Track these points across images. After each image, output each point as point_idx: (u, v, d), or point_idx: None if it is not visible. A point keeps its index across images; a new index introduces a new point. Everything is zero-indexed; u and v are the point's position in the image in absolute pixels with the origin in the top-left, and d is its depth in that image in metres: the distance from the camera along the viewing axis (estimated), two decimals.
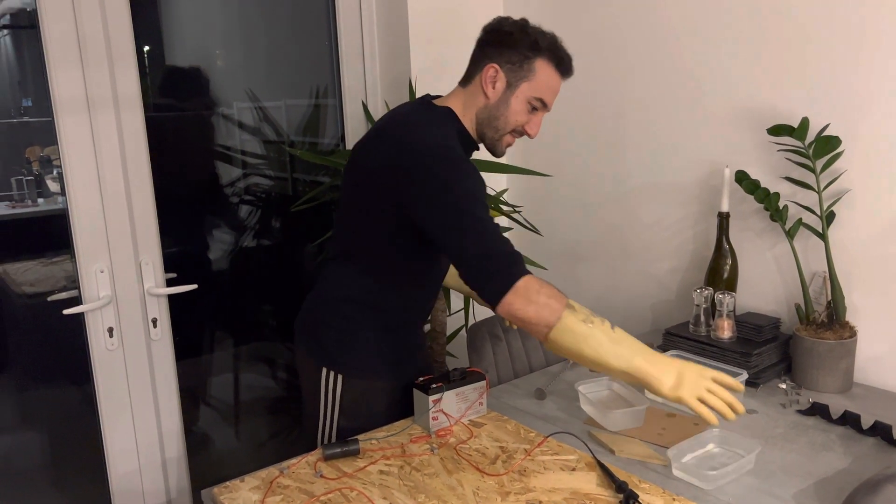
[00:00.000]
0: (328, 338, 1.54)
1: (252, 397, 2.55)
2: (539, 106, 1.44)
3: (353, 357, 1.53)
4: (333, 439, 1.55)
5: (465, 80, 1.48)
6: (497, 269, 1.23)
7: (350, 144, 2.41)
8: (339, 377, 1.53)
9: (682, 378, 1.19)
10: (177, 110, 2.30)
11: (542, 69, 1.41)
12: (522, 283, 1.21)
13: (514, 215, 2.29)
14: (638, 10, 2.07)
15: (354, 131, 2.42)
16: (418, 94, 2.25)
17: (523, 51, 1.40)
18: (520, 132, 1.47)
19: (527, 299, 1.20)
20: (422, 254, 1.48)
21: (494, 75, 1.42)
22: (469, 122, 1.47)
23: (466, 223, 1.25)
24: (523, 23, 1.43)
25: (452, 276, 1.81)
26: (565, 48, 1.45)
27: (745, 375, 1.57)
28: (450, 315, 2.28)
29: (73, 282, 1.96)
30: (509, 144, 1.49)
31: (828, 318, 1.67)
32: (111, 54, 1.84)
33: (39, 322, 2.20)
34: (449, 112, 1.46)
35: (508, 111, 1.43)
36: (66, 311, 1.87)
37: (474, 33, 2.46)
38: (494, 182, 2.49)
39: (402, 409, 1.58)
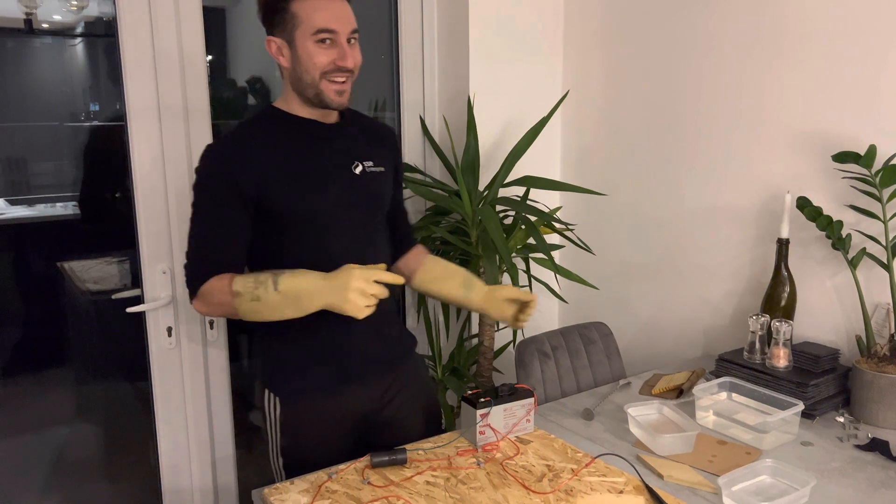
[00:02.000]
0: (264, 359, 1.57)
1: None
2: (327, 36, 1.38)
3: (283, 377, 1.52)
4: (279, 461, 1.53)
5: (280, 69, 1.48)
6: (186, 277, 1.45)
7: (407, 158, 2.44)
8: (275, 399, 1.52)
9: (333, 291, 1.32)
10: (238, 120, 2.37)
11: (301, 7, 1.38)
12: (202, 288, 1.42)
13: (568, 233, 2.28)
14: (701, 31, 2.06)
15: (411, 145, 2.45)
16: (476, 111, 2.27)
17: (277, 10, 1.39)
18: (335, 71, 1.40)
19: (205, 302, 1.44)
20: (285, 242, 1.46)
21: (277, 46, 1.42)
22: (292, 100, 1.47)
23: (193, 224, 1.45)
24: None
25: (434, 280, 1.70)
26: None
27: (800, 406, 1.53)
28: (498, 330, 2.28)
29: (135, 281, 2.03)
30: (339, 91, 1.42)
31: (890, 351, 1.62)
32: (183, 66, 1.91)
33: (101, 319, 2.28)
34: (265, 109, 1.50)
35: (304, 63, 1.40)
36: (129, 309, 1.93)
37: (534, 50, 2.48)
38: (549, 199, 2.50)
39: (351, 424, 1.54)
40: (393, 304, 1.64)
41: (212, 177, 1.41)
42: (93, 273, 2.26)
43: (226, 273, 1.41)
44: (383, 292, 1.32)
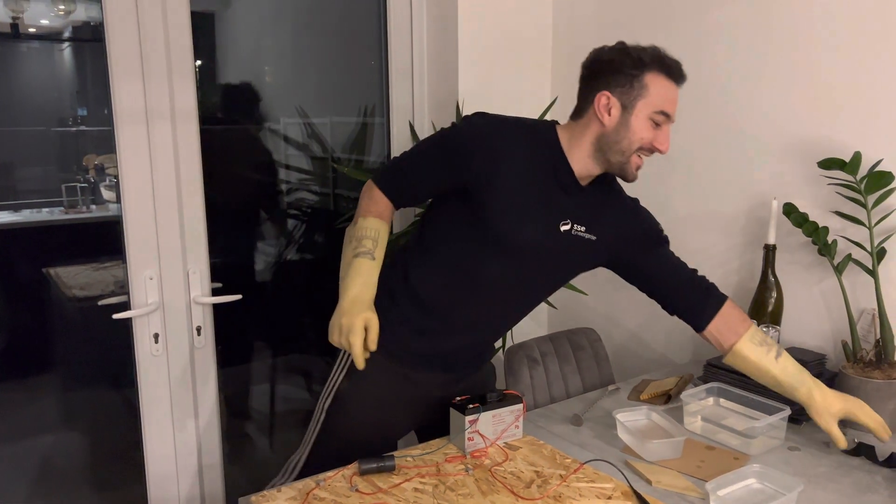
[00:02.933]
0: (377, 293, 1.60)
1: (288, 409, 2.58)
2: (662, 120, 1.42)
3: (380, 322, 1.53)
4: (326, 401, 1.58)
5: (576, 115, 1.48)
6: (383, 167, 1.58)
7: None
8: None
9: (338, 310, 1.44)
10: (226, 124, 2.37)
11: (654, 82, 1.40)
12: (367, 193, 1.56)
13: None
14: (687, 40, 2.07)
15: (400, 150, 2.45)
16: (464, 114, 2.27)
17: (629, 71, 1.39)
18: (648, 149, 1.44)
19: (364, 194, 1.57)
20: (461, 235, 1.50)
21: (608, 102, 1.41)
22: (580, 153, 1.46)
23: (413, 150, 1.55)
24: (621, 45, 1.43)
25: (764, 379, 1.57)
26: (670, 55, 1.43)
27: (787, 411, 1.54)
28: None
29: (122, 287, 2.02)
30: (639, 166, 1.46)
31: (876, 356, 1.63)
32: (171, 69, 1.91)
33: (87, 325, 2.26)
34: (548, 132, 1.49)
35: (630, 132, 1.41)
36: (115, 316, 1.92)
37: (523, 57, 2.49)
38: None
39: (411, 400, 1.59)
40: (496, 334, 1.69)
41: (458, 140, 1.46)
42: (79, 279, 2.25)
43: (391, 200, 1.54)
44: (357, 347, 1.39)
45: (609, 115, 1.42)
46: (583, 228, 1.52)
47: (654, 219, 1.64)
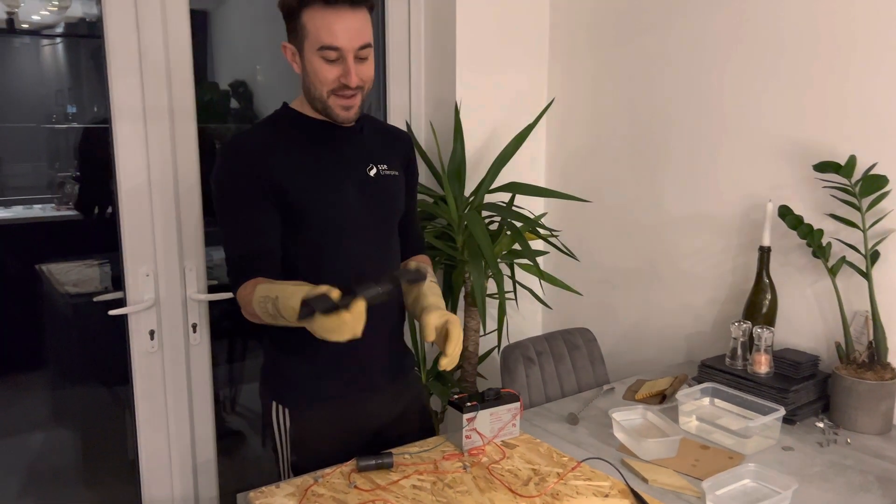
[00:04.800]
0: (268, 366, 1.55)
1: None
2: (333, 55, 1.33)
3: (292, 387, 1.49)
4: (290, 476, 1.49)
5: None
6: (229, 281, 1.43)
7: None
8: (285, 411, 1.48)
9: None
10: (222, 122, 2.36)
11: (311, 19, 1.32)
12: (238, 295, 1.40)
13: (552, 239, 2.29)
14: (684, 41, 2.09)
15: None
16: (462, 117, 2.28)
17: (291, 16, 1.36)
18: (341, 87, 1.36)
19: (243, 310, 1.41)
20: (301, 244, 1.44)
21: (292, 52, 1.40)
22: (307, 103, 1.44)
23: (223, 225, 1.43)
24: None
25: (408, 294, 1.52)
26: None
27: (781, 411, 1.55)
28: (483, 335, 2.29)
29: (116, 284, 2.01)
30: (346, 107, 1.39)
31: (869, 357, 1.65)
32: (169, 67, 1.90)
33: (82, 321, 2.25)
34: (281, 109, 1.49)
35: (311, 77, 1.37)
36: (112, 312, 1.91)
37: (519, 59, 2.50)
38: (534, 205, 2.51)
39: (362, 434, 1.52)
40: (399, 317, 1.62)
41: (234, 174, 1.40)
42: (72, 276, 2.24)
43: (259, 277, 1.37)
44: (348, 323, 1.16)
45: (296, 63, 1.40)
46: (385, 167, 1.52)
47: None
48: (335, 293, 1.15)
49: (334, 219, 1.44)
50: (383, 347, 1.55)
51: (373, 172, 1.50)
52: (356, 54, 1.35)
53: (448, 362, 1.31)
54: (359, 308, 1.15)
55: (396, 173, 1.55)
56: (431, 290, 1.43)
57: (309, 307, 1.14)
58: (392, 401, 1.58)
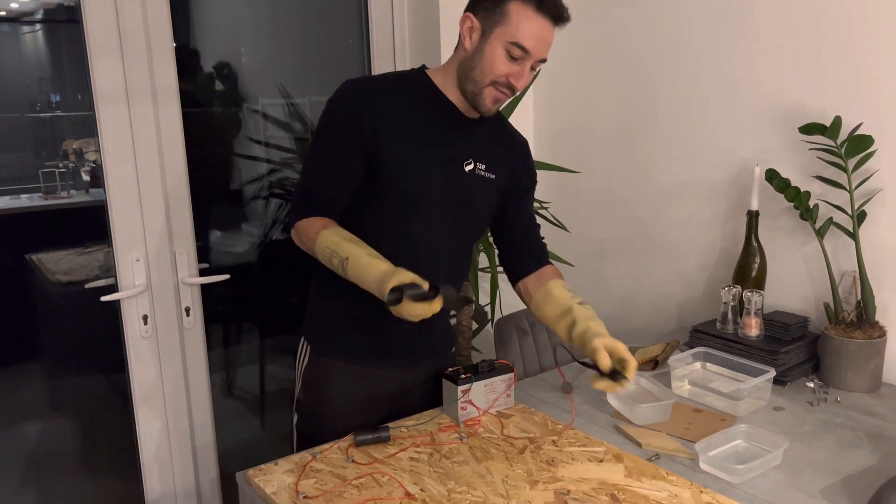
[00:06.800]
0: (309, 307, 1.58)
1: (277, 388, 2.59)
2: (519, 54, 1.33)
3: (320, 330, 1.54)
4: (294, 417, 1.58)
5: (458, 44, 1.43)
6: (291, 206, 1.46)
7: None
8: (308, 348, 1.55)
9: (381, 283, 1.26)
10: (206, 105, 2.35)
11: (517, 11, 1.31)
12: (298, 224, 1.42)
13: (542, 211, 2.29)
14: (671, 9, 2.08)
15: None
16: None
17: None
18: (505, 84, 1.36)
19: (297, 238, 1.43)
20: (373, 211, 1.44)
21: (471, 25, 1.37)
22: (449, 78, 1.42)
23: (308, 155, 1.46)
24: None
25: (543, 315, 1.53)
26: None
27: (772, 373, 1.57)
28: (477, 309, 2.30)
29: (108, 271, 2.01)
30: (497, 100, 1.39)
31: (857, 317, 1.66)
32: (150, 48, 1.88)
33: (74, 309, 2.25)
34: (418, 71, 1.46)
35: (483, 60, 1.35)
36: (103, 298, 1.91)
37: None
38: None
39: (371, 397, 1.53)
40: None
41: (340, 112, 1.40)
42: (63, 264, 2.23)
43: (322, 217, 1.41)
44: (427, 313, 1.23)
45: (470, 38, 1.38)
46: (483, 167, 1.49)
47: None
48: (425, 284, 1.23)
49: (412, 197, 1.42)
50: (423, 325, 1.48)
51: (468, 168, 1.47)
52: (533, 63, 1.37)
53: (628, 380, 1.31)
54: (438, 304, 1.23)
55: (494, 177, 1.50)
56: (588, 315, 1.41)
57: (399, 292, 1.22)
58: (416, 375, 1.59)
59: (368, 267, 1.28)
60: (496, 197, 1.54)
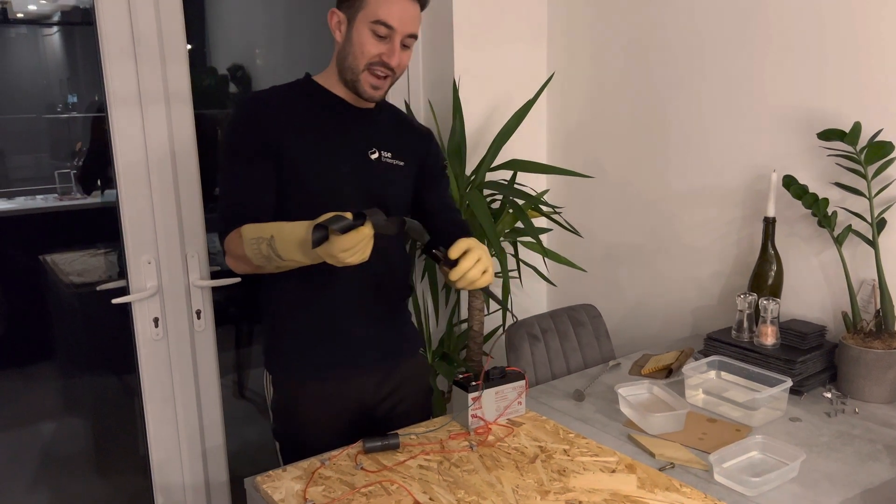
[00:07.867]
0: (265, 342, 1.57)
1: None
2: (384, 31, 1.37)
3: (280, 356, 1.53)
4: (276, 444, 1.56)
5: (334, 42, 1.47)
6: (218, 232, 1.45)
7: None
8: (270, 379, 1.55)
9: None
10: (218, 107, 2.35)
11: None
12: (226, 243, 1.41)
13: (555, 216, 2.28)
14: (685, 12, 2.05)
15: None
16: (461, 94, 2.25)
17: None
18: (380, 64, 1.39)
19: (230, 257, 1.42)
20: (292, 212, 1.41)
21: (338, 20, 1.42)
22: (332, 76, 1.48)
23: (221, 174, 1.45)
24: None
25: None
26: None
27: (788, 383, 1.54)
28: (488, 315, 2.28)
29: (120, 273, 2.01)
30: (375, 86, 1.42)
31: (876, 326, 1.63)
32: (163, 51, 1.88)
33: (86, 311, 2.26)
34: (303, 78, 1.50)
35: (354, 47, 1.40)
36: (115, 301, 1.91)
37: (518, 33, 2.47)
38: (536, 182, 2.49)
39: (344, 413, 1.53)
40: (399, 296, 1.62)
41: (241, 128, 1.44)
42: (76, 265, 2.24)
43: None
44: (359, 242, 1.16)
45: (340, 31, 1.42)
46: (389, 154, 1.52)
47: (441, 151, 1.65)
48: (347, 214, 1.17)
49: (325, 189, 1.45)
50: (377, 327, 1.56)
51: (374, 157, 1.51)
52: (403, 40, 1.40)
53: (457, 274, 1.30)
54: (369, 229, 1.17)
55: (402, 163, 1.54)
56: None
57: (323, 230, 1.14)
58: (382, 382, 1.58)
59: (293, 230, 1.22)
60: (409, 183, 1.57)
